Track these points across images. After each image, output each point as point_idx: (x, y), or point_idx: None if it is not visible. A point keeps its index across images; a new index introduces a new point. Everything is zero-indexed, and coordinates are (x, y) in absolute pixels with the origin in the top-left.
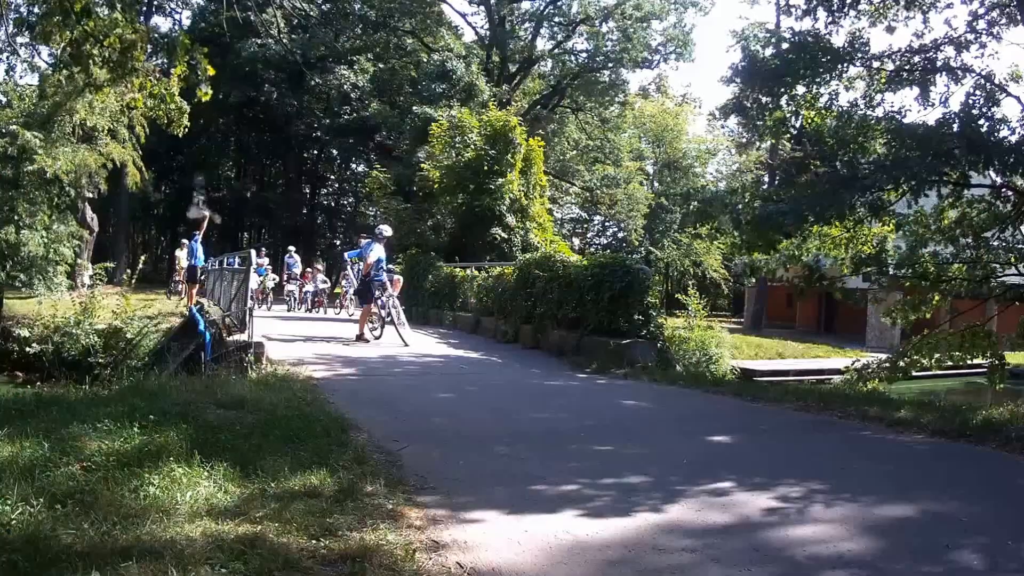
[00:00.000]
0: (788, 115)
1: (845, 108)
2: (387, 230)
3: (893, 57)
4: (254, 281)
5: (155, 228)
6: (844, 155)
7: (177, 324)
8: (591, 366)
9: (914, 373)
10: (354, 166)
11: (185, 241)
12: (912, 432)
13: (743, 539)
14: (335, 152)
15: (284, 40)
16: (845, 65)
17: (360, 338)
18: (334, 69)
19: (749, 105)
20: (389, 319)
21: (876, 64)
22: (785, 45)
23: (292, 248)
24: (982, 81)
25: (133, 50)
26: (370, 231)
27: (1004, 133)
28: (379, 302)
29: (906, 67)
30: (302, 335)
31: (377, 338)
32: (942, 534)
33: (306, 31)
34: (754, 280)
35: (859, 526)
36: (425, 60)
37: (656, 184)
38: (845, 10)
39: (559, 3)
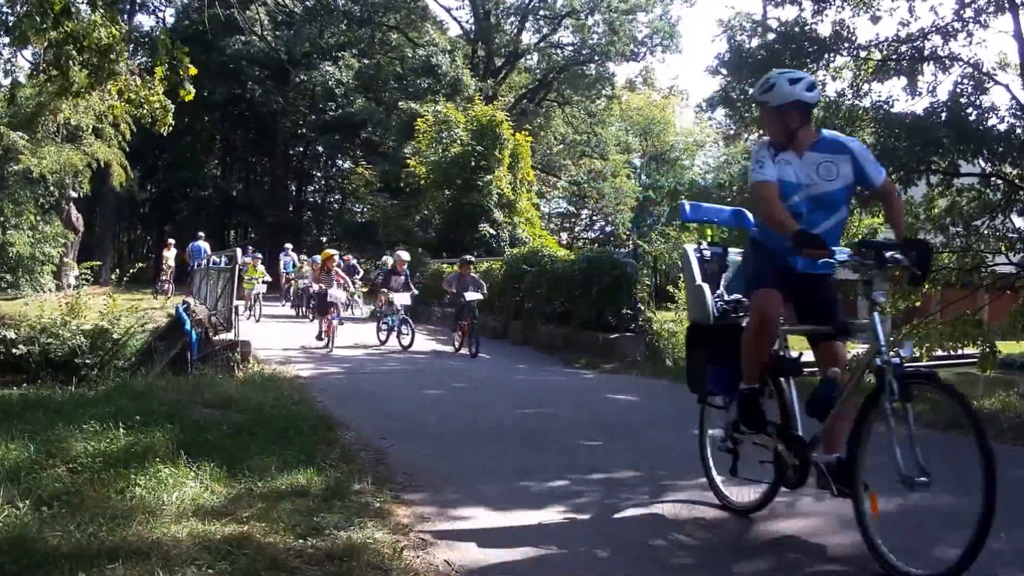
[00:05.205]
0: None
1: (832, 98)
2: None
3: (880, 46)
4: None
5: (140, 227)
6: None
7: (163, 324)
8: (580, 361)
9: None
10: (340, 163)
11: (172, 241)
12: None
13: (732, 533)
14: (321, 149)
15: (268, 37)
16: (831, 55)
17: None
18: (319, 65)
19: (735, 96)
20: None
21: (863, 54)
22: (771, 35)
23: (289, 246)
24: (970, 70)
25: (112, 52)
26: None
27: (993, 121)
28: None
29: (893, 56)
30: None
31: None
32: (935, 527)
33: (290, 28)
34: None
35: (849, 520)
36: (410, 55)
37: (644, 177)
38: None
39: None
